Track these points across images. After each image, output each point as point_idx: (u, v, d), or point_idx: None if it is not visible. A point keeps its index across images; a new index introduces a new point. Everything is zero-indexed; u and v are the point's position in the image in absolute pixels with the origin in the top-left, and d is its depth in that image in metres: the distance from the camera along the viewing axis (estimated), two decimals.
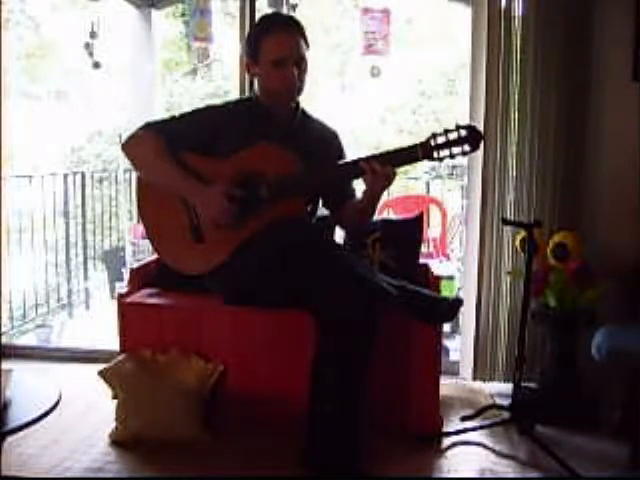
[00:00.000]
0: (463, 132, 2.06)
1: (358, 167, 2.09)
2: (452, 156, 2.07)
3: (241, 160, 2.17)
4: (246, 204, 2.14)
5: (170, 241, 2.26)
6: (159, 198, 2.24)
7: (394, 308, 2.09)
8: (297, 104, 2.30)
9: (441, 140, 2.05)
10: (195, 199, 2.16)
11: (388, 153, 2.10)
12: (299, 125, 2.30)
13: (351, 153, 2.39)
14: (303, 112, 2.33)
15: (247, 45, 2.24)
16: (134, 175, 2.36)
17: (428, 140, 2.06)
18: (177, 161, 2.18)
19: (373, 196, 2.17)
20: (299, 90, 2.22)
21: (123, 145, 2.25)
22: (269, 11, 3.99)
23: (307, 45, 2.19)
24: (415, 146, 2.07)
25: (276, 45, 2.15)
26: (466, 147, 2.06)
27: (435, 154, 2.06)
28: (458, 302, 2.20)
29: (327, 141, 2.37)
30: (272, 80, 2.18)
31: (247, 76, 2.32)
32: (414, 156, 2.08)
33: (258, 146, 2.16)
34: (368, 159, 2.09)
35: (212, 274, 2.22)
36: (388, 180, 2.09)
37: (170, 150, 2.18)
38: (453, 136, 2.06)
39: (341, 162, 2.26)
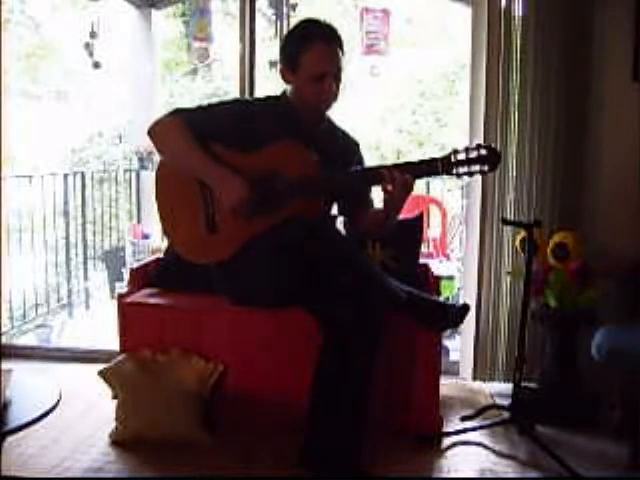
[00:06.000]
0: (483, 151, 2.04)
1: (378, 173, 2.08)
2: (470, 174, 2.06)
3: (264, 156, 2.16)
4: (264, 200, 2.14)
5: (183, 229, 2.25)
6: (177, 186, 2.24)
7: (401, 312, 2.09)
8: None
9: (461, 157, 2.04)
10: (218, 185, 2.14)
11: (409, 164, 2.10)
12: (324, 131, 2.29)
13: None
14: (329, 120, 2.32)
15: (284, 53, 2.19)
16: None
17: (449, 155, 2.05)
18: (204, 149, 2.17)
19: (393, 204, 2.13)
20: (334, 101, 2.21)
21: (150, 129, 2.22)
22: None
23: (343, 53, 2.17)
24: (436, 160, 2.07)
25: (318, 59, 2.11)
26: (485, 167, 2.05)
27: (454, 170, 2.05)
28: (465, 309, 2.21)
29: (349, 150, 2.36)
30: (310, 93, 2.15)
31: (283, 81, 2.23)
32: (434, 170, 2.07)
33: (282, 143, 2.15)
34: (388, 167, 2.08)
35: (219, 267, 2.22)
36: (407, 189, 2.07)
37: (197, 138, 2.16)
38: (473, 154, 2.05)
39: (360, 168, 2.26)
